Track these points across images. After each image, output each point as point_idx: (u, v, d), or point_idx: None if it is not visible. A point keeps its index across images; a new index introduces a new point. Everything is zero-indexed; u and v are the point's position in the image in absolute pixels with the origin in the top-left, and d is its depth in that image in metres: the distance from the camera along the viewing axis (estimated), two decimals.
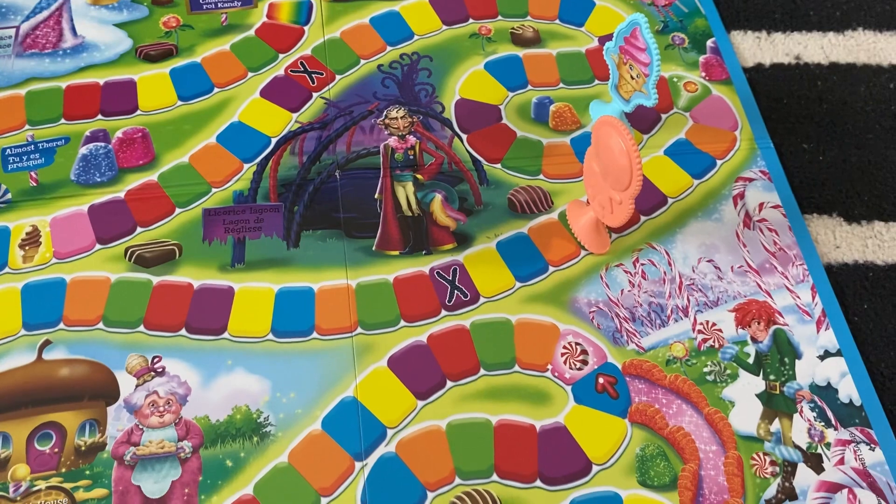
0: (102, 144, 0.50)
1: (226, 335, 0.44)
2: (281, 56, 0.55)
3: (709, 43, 0.58)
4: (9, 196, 0.48)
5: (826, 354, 0.45)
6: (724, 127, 0.54)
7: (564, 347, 0.45)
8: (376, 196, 0.49)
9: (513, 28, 0.57)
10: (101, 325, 0.44)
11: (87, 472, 0.40)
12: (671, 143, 0.53)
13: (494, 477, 0.41)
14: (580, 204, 0.49)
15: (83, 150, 0.50)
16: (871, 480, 0.42)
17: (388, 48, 0.56)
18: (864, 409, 0.44)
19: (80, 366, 0.43)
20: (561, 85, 0.55)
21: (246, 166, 0.50)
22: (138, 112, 0.52)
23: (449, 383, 0.43)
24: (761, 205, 0.50)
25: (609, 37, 0.41)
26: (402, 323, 0.45)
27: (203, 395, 0.42)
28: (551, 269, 0.47)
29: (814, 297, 0.47)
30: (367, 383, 0.43)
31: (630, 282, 0.47)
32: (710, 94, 0.55)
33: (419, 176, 0.50)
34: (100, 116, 0.52)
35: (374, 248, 0.47)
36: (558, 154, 0.52)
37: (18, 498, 0.39)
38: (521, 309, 0.46)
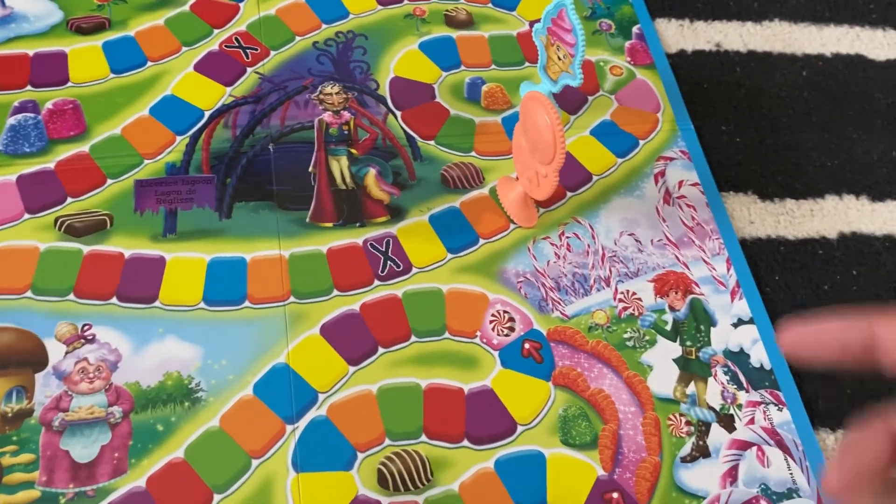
0: (32, 115, 0.50)
1: (157, 304, 0.44)
2: (216, 31, 0.55)
3: (634, 29, 0.60)
4: None
5: (739, 322, 0.48)
6: (648, 109, 0.56)
7: (493, 315, 0.46)
8: (310, 169, 0.50)
9: (447, 10, 0.59)
10: (29, 294, 0.44)
11: (14, 438, 0.40)
12: (597, 123, 0.55)
13: (423, 438, 0.42)
14: (510, 180, 0.51)
15: (11, 121, 0.49)
16: (778, 438, 0.44)
17: (324, 26, 0.57)
18: (773, 373, 0.46)
19: (7, 334, 0.42)
20: (493, 66, 0.57)
21: (179, 139, 0.50)
22: (69, 84, 0.52)
23: (381, 350, 0.44)
24: (681, 182, 0.53)
25: (539, 20, 0.42)
26: (335, 292, 0.46)
27: (134, 362, 0.42)
28: (482, 241, 0.49)
29: (729, 269, 0.50)
30: (299, 350, 0.44)
31: (556, 254, 0.49)
32: (634, 78, 0.57)
33: (353, 150, 0.51)
34: (29, 87, 0.51)
35: (307, 220, 0.48)
36: (490, 132, 0.53)
37: None
38: (452, 279, 0.47)
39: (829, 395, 0.46)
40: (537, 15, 0.59)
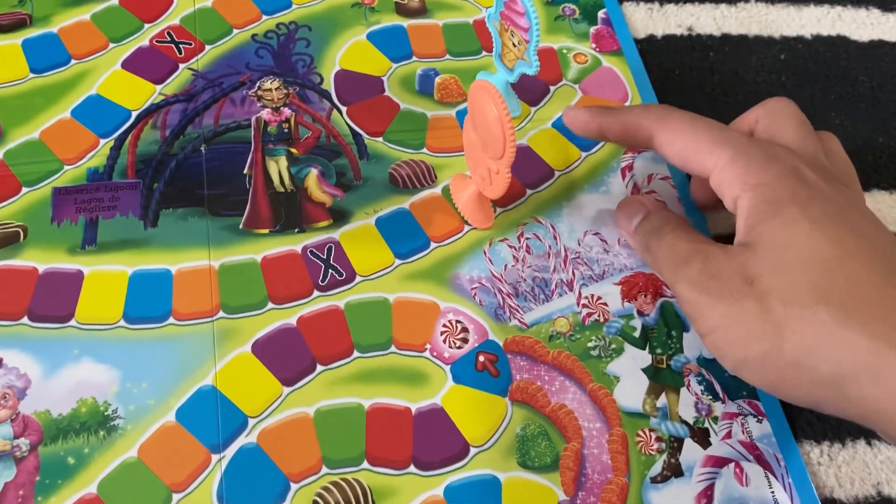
0: None
1: (73, 322, 0.40)
2: (147, 26, 0.51)
3: (600, 14, 0.56)
4: None
5: None
6: (615, 98, 0.52)
7: (444, 326, 0.42)
8: (246, 171, 0.46)
9: None
10: None
11: None
12: (559, 115, 0.51)
13: (365, 464, 0.38)
14: (464, 178, 0.47)
15: None
16: (758, 453, 0.40)
17: (264, 17, 0.53)
18: None
19: None
20: (447, 56, 0.53)
21: (102, 142, 0.46)
22: None
23: (319, 367, 0.40)
24: (650, 176, 0.49)
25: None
26: (270, 305, 0.42)
27: (45, 388, 0.38)
28: (433, 244, 0.45)
29: None
30: (227, 370, 0.40)
31: (514, 257, 0.45)
32: (600, 66, 0.53)
33: (294, 150, 0.47)
34: None
35: (241, 227, 0.44)
36: (443, 127, 0.50)
37: None
38: (400, 287, 0.43)
39: None
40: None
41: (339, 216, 0.45)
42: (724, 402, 0.42)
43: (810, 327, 0.32)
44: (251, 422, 0.38)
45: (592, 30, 0.55)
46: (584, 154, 0.49)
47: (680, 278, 0.36)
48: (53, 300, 0.41)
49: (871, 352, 0.30)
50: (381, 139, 0.49)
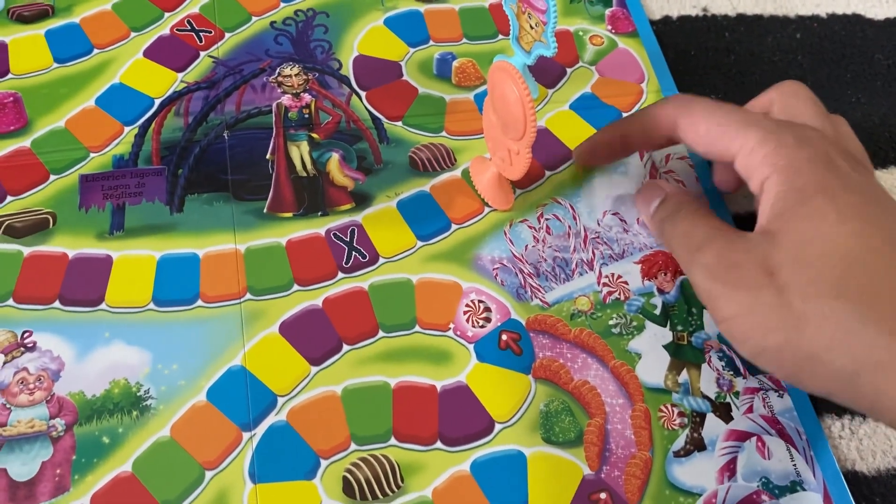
0: None
1: (103, 306, 0.41)
2: (167, 15, 0.52)
3: None
4: None
5: None
6: (631, 80, 0.52)
7: (467, 305, 0.43)
8: (268, 156, 0.47)
9: None
10: None
11: None
12: (576, 97, 0.51)
13: (392, 441, 0.39)
14: (483, 160, 0.47)
15: None
16: (779, 427, 0.41)
17: (282, 5, 0.53)
18: None
19: None
20: (464, 40, 0.53)
21: (127, 129, 0.47)
22: (10, 76, 0.48)
23: (345, 347, 0.41)
24: (668, 156, 0.49)
25: None
26: (296, 287, 0.42)
27: (78, 370, 0.39)
28: (454, 226, 0.46)
29: None
30: (256, 351, 0.40)
31: (535, 237, 0.46)
32: (616, 48, 0.54)
33: (315, 135, 0.48)
34: None
35: (265, 211, 0.45)
36: (461, 111, 0.50)
37: None
38: (423, 268, 0.44)
39: None
40: None
41: (361, 199, 0.46)
42: (745, 378, 0.42)
43: (829, 322, 0.32)
44: (280, 400, 0.39)
45: (608, 11, 0.56)
46: None
47: (695, 265, 0.36)
48: (84, 285, 0.41)
49: (887, 348, 0.31)
50: (400, 123, 0.49)
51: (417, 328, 0.42)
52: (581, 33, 0.54)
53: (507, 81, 0.40)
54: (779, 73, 0.54)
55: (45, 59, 0.49)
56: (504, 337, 0.42)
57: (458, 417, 0.39)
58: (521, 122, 0.40)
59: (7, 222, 0.43)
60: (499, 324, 0.43)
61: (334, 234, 0.44)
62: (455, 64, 0.52)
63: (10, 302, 0.41)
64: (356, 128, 0.49)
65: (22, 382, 0.39)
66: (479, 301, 0.43)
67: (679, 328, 0.43)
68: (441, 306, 0.43)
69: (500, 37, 0.53)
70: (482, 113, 0.45)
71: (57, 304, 0.41)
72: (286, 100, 0.49)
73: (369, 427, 0.39)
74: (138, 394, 0.39)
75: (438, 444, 0.39)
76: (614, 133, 0.44)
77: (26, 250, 0.42)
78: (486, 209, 0.46)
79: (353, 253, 0.44)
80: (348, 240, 0.44)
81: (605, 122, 0.50)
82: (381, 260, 0.44)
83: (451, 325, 0.42)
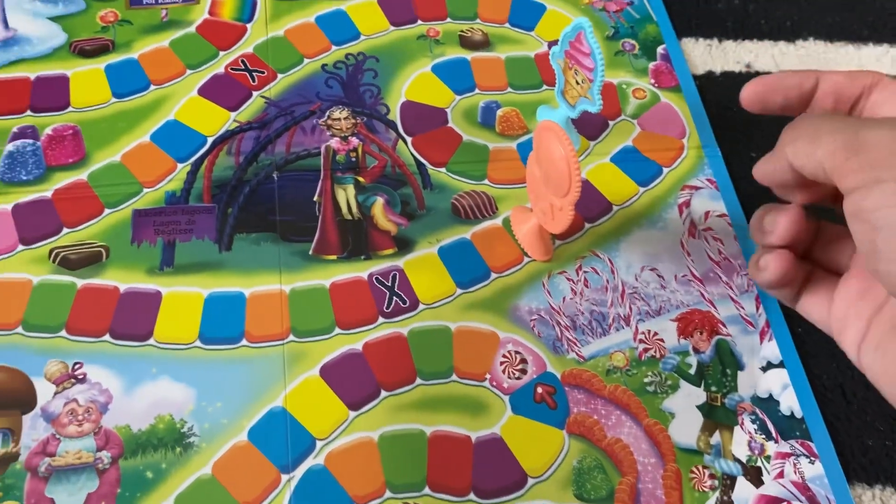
0: (30, 141, 0.48)
1: (151, 341, 0.42)
2: (221, 53, 0.54)
3: (659, 50, 0.57)
4: None
5: (769, 366, 0.45)
6: (672, 134, 0.53)
7: (504, 356, 0.44)
8: (315, 198, 0.48)
9: (461, 31, 0.56)
10: (20, 330, 0.42)
11: None
12: (618, 150, 0.52)
13: (427, 490, 0.39)
14: (524, 210, 0.48)
15: (9, 147, 0.48)
16: (810, 494, 0.41)
17: (334, 48, 0.55)
18: (804, 421, 0.43)
19: None
20: (509, 89, 0.54)
21: (180, 166, 0.48)
22: (70, 108, 0.50)
23: (383, 393, 0.42)
24: (707, 213, 0.50)
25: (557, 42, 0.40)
26: (337, 330, 0.43)
27: (125, 404, 0.40)
28: (493, 275, 0.46)
29: (758, 308, 0.46)
30: (297, 393, 0.41)
31: (572, 289, 0.46)
32: (658, 102, 0.55)
33: (361, 178, 0.49)
34: (29, 112, 0.50)
35: (310, 253, 0.46)
36: (504, 159, 0.51)
37: None
38: (461, 316, 0.45)
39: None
40: (556, 35, 0.56)
41: (404, 244, 0.47)
42: (777, 442, 0.42)
43: None
44: (319, 444, 0.40)
45: (651, 65, 0.56)
46: (641, 189, 0.50)
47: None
48: (134, 319, 0.43)
49: None
50: (444, 170, 0.50)
51: (454, 377, 0.43)
52: (624, 86, 0.55)
53: (553, 140, 0.41)
54: None
55: (104, 94, 0.51)
56: (539, 390, 0.43)
57: (492, 470, 0.40)
58: (566, 181, 0.41)
59: (63, 254, 0.44)
60: (535, 376, 0.43)
61: (376, 279, 0.45)
62: (499, 113, 0.53)
63: (63, 333, 0.42)
64: (401, 173, 0.50)
65: (71, 413, 0.40)
66: (516, 352, 0.44)
67: (713, 389, 0.44)
68: (478, 356, 0.43)
69: (545, 87, 0.54)
70: (525, 163, 0.46)
71: (108, 337, 0.42)
72: (334, 143, 0.50)
73: (404, 475, 0.40)
74: (182, 430, 0.40)
75: (472, 497, 0.39)
76: (807, 76, 0.37)
77: (80, 282, 0.44)
78: (526, 259, 0.47)
79: (395, 298, 0.45)
80: (390, 284, 0.45)
81: (646, 175, 0.51)
82: (421, 306, 0.45)
83: (488, 376, 0.43)
